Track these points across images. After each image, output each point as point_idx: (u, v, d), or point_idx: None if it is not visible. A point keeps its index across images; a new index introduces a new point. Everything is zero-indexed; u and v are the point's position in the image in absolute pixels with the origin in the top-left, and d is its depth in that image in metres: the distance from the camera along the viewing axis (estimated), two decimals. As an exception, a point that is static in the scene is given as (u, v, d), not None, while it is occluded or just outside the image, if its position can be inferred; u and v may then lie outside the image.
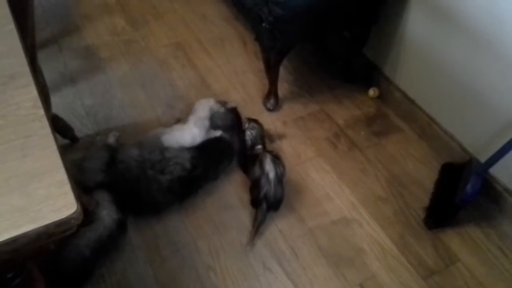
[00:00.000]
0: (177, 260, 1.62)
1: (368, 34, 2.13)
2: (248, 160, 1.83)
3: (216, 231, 1.70)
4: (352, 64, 2.28)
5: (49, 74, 1.98)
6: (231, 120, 1.91)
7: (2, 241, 0.67)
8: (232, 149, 1.87)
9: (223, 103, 1.95)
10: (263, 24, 1.83)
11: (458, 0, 1.68)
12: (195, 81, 2.26)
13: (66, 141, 1.90)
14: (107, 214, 1.56)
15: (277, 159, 1.75)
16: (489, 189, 1.79)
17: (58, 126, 1.81)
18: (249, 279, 1.58)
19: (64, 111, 2.02)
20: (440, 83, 1.90)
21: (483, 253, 1.69)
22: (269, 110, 2.14)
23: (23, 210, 0.70)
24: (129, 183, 1.67)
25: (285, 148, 1.99)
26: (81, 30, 2.50)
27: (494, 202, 1.81)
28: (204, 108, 1.89)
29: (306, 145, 2.01)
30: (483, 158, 1.69)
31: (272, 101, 2.13)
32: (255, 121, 1.94)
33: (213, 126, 1.84)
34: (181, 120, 2.02)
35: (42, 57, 1.64)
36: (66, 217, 0.70)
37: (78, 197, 0.72)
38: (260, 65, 2.15)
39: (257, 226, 1.68)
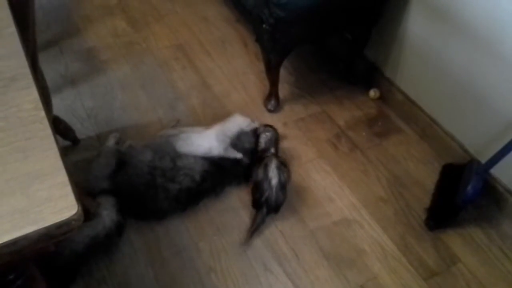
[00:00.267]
0: (178, 261, 1.62)
1: (369, 35, 2.13)
2: (256, 161, 1.81)
3: (217, 233, 1.70)
4: (353, 65, 2.29)
5: (50, 76, 1.99)
6: (249, 143, 1.86)
7: (3, 242, 0.67)
8: (247, 174, 1.82)
9: (262, 127, 1.91)
10: (264, 26, 1.83)
11: (459, 2, 1.68)
12: (196, 83, 2.27)
13: (67, 142, 1.90)
14: (107, 214, 1.57)
15: (283, 165, 1.74)
16: (490, 190, 1.79)
17: (59, 127, 1.81)
18: (250, 280, 1.58)
19: (65, 112, 2.02)
20: (441, 84, 1.90)
21: (484, 253, 1.69)
22: (270, 111, 2.15)
23: (24, 212, 0.70)
24: (137, 188, 1.66)
25: (286, 149, 1.99)
26: (82, 32, 2.50)
27: (495, 203, 1.81)
28: (234, 124, 1.85)
29: (307, 146, 2.01)
30: (484, 159, 1.69)
31: (273, 102, 2.13)
32: (271, 126, 1.94)
33: (237, 146, 1.80)
34: (180, 121, 2.02)
35: (43, 59, 1.64)
36: (67, 219, 0.70)
37: (79, 199, 0.72)
38: (261, 66, 2.15)
39: (255, 228, 1.68)
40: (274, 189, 1.68)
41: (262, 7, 1.80)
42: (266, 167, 1.72)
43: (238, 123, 1.86)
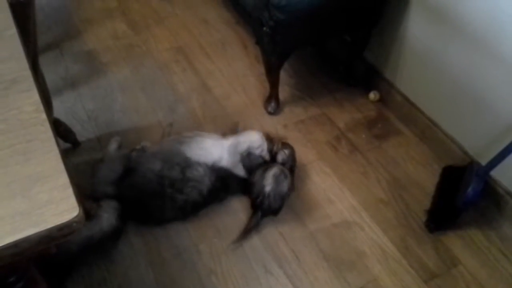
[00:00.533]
0: (179, 263, 1.62)
1: (368, 38, 2.14)
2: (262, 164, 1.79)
3: (217, 235, 1.70)
4: (352, 67, 2.29)
5: (51, 78, 1.99)
6: (261, 165, 1.81)
7: (5, 244, 0.67)
8: (247, 191, 1.79)
9: (279, 145, 1.87)
10: (264, 28, 1.84)
11: (458, 4, 1.69)
12: (196, 85, 2.27)
13: (67, 145, 1.90)
14: (107, 218, 1.56)
15: (283, 176, 1.71)
16: (490, 192, 1.79)
17: (60, 130, 1.81)
18: (250, 282, 1.58)
19: (66, 115, 2.02)
20: (440, 86, 1.91)
21: (484, 255, 1.69)
22: (270, 113, 2.15)
23: (26, 214, 0.70)
24: (144, 196, 1.66)
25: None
26: (82, 34, 2.51)
27: (495, 205, 1.81)
28: (246, 140, 1.81)
29: (307, 148, 2.01)
30: (484, 161, 1.69)
31: (273, 104, 2.14)
32: (288, 144, 1.88)
33: (245, 163, 1.78)
34: (173, 124, 2.01)
35: (43, 61, 1.64)
36: (68, 221, 0.70)
37: (80, 201, 0.72)
38: (261, 68, 2.15)
39: (248, 230, 1.68)
40: (266, 195, 1.67)
41: (262, 10, 1.81)
42: (264, 172, 1.71)
43: (250, 140, 1.81)
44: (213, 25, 2.63)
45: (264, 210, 1.69)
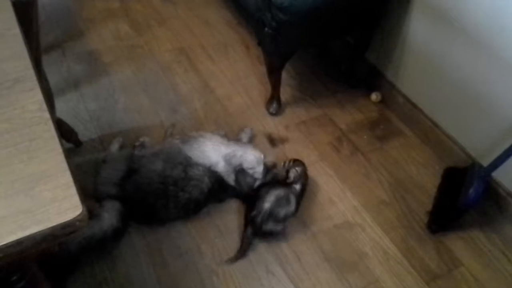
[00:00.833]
0: (180, 264, 1.62)
1: (370, 39, 2.14)
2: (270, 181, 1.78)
3: (219, 235, 1.70)
4: (354, 68, 2.29)
5: (53, 78, 1.99)
6: (246, 184, 1.79)
7: (8, 242, 0.67)
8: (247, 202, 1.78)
9: (290, 162, 1.82)
10: (266, 29, 1.84)
11: (460, 5, 1.69)
12: (198, 86, 2.27)
13: (69, 145, 1.90)
14: (108, 218, 1.57)
15: (285, 200, 1.67)
16: (492, 193, 1.79)
17: (62, 130, 1.81)
18: (252, 282, 1.58)
19: (68, 115, 2.02)
20: (442, 87, 1.91)
21: (486, 257, 1.69)
22: (271, 114, 2.15)
23: (29, 212, 0.71)
24: (147, 197, 1.66)
25: (288, 152, 1.99)
26: (84, 34, 2.51)
27: (497, 206, 1.81)
28: (241, 155, 1.78)
29: (309, 149, 2.02)
30: (485, 162, 1.69)
31: (274, 105, 2.14)
32: (300, 161, 1.84)
33: (235, 175, 1.77)
34: (175, 125, 2.02)
35: (45, 61, 1.64)
36: (72, 219, 0.70)
37: (83, 200, 0.73)
38: (263, 69, 2.16)
39: (243, 250, 1.65)
40: (262, 211, 1.63)
41: (264, 11, 1.81)
42: (270, 189, 1.68)
43: (245, 159, 1.78)
44: (215, 26, 2.63)
45: (255, 227, 1.64)
